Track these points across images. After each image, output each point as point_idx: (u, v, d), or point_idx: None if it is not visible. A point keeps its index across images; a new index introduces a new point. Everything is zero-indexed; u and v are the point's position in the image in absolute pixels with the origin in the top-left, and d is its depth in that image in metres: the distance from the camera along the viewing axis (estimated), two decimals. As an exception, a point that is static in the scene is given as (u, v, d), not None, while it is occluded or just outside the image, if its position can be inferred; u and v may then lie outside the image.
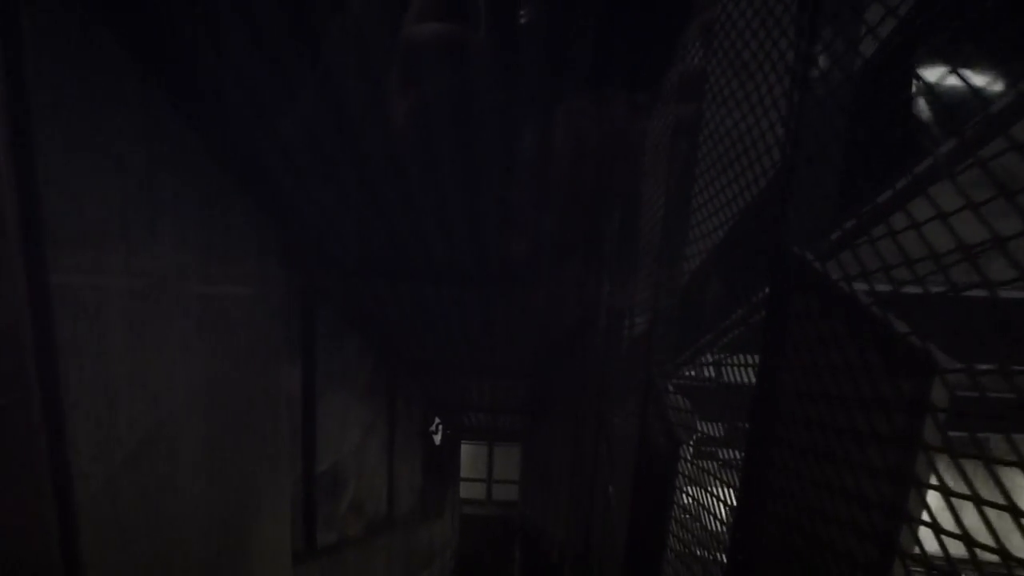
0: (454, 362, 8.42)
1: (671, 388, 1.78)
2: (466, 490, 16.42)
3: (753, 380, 1.29)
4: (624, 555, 2.12)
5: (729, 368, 1.53)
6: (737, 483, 1.31)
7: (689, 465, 1.59)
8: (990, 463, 0.69)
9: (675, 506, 1.63)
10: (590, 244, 4.28)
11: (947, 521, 0.73)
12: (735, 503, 1.28)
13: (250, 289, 3.57)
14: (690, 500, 1.53)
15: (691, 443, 1.58)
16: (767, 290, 1.25)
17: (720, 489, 1.33)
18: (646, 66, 2.54)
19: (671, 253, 2.02)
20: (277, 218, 3.85)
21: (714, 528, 1.37)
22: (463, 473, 16.12)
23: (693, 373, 1.84)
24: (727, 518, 1.34)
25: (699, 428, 1.53)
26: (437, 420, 14.23)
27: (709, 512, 1.40)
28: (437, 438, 14.56)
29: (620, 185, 3.42)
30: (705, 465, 1.50)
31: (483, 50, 2.47)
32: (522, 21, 2.35)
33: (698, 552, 1.47)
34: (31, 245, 1.74)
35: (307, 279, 4.76)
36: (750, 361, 1.41)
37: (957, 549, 0.69)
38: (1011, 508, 0.64)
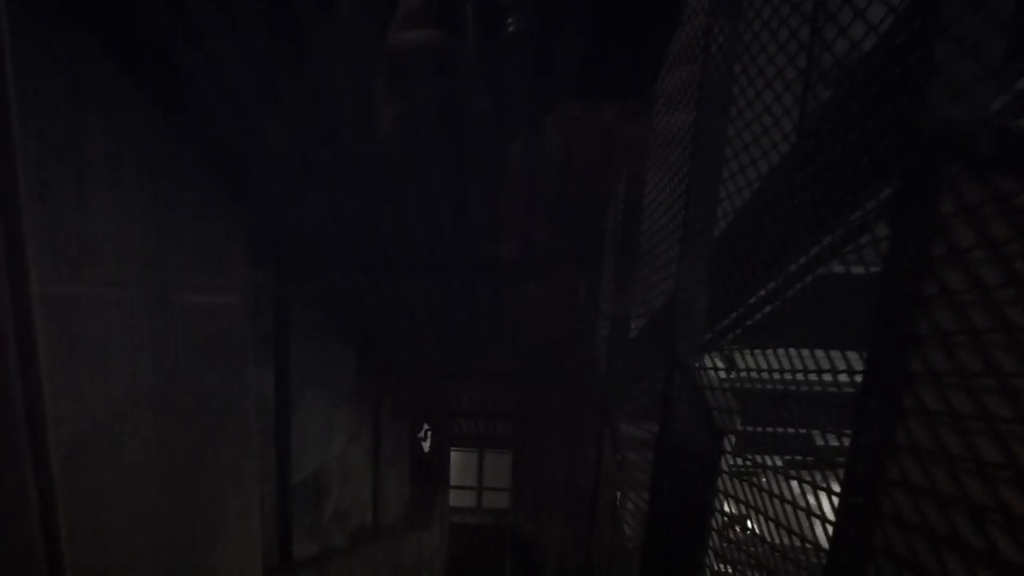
0: (442, 366, 8.08)
1: (707, 365, 1.49)
2: (456, 498, 16.02)
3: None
4: (642, 570, 1.82)
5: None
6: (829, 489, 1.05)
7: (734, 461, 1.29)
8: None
9: (715, 514, 1.32)
10: (583, 246, 4.21)
11: None
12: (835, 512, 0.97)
13: (211, 278, 3.23)
14: (740, 506, 1.23)
15: (734, 434, 1.28)
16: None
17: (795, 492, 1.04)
18: (635, 74, 2.57)
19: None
20: (244, 201, 3.52)
21: (784, 542, 1.06)
22: (453, 480, 15.73)
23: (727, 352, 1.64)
24: (806, 531, 1.06)
25: (746, 414, 1.25)
26: (426, 427, 13.88)
27: (776, 522, 1.08)
28: (426, 445, 14.20)
29: (613, 189, 3.39)
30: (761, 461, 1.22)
31: (471, 58, 2.48)
32: (510, 30, 2.36)
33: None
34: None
35: (279, 270, 4.41)
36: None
37: None
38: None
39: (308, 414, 6.39)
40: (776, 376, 1.23)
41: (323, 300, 5.28)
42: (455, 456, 15.82)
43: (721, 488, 1.32)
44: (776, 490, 1.12)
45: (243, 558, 3.78)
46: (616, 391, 2.70)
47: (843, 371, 1.02)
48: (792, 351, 1.20)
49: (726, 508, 1.32)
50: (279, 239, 4.07)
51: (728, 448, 1.31)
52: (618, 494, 2.44)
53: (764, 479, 1.19)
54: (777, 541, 1.12)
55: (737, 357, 1.54)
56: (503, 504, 15.43)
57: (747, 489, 1.21)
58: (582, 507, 3.86)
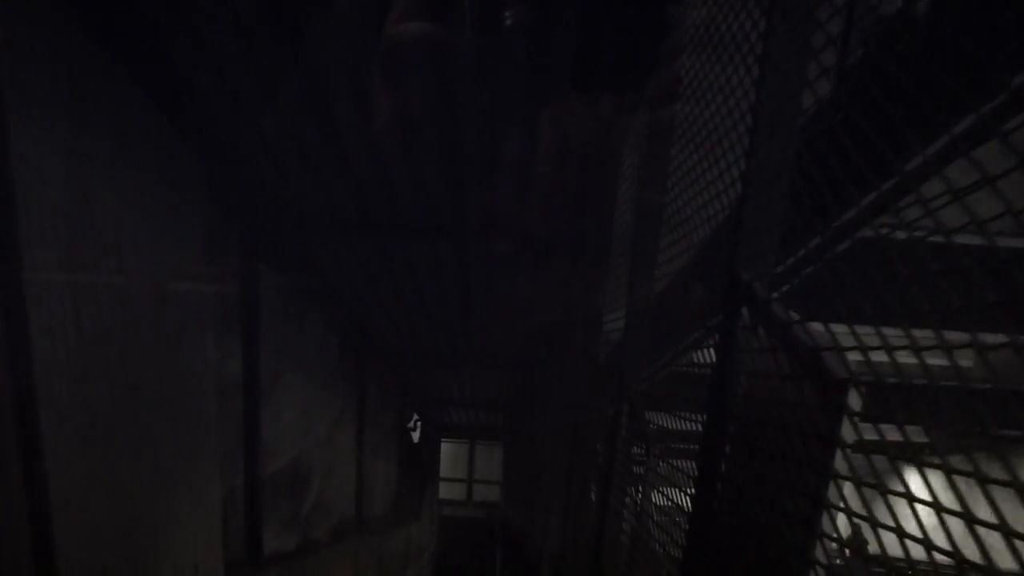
0: (431, 349, 7.62)
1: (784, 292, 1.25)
2: (445, 490, 15.62)
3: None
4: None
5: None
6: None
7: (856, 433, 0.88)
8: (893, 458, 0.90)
9: (829, 511, 0.91)
10: (579, 238, 4.17)
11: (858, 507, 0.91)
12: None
13: (154, 227, 2.77)
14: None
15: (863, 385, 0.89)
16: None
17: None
18: (631, 67, 2.58)
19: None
20: (203, 148, 3.07)
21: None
22: (442, 472, 15.32)
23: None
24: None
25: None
26: (415, 416, 13.47)
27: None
28: (415, 435, 13.80)
29: (610, 181, 3.42)
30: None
31: (468, 51, 2.47)
32: (507, 23, 2.36)
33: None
34: None
35: (244, 226, 3.94)
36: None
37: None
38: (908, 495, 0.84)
39: (285, 399, 5.93)
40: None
41: (298, 267, 4.81)
42: (445, 448, 15.44)
43: (841, 472, 0.91)
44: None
45: (197, 554, 3.34)
46: (634, 368, 2.32)
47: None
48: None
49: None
50: (244, 187, 3.60)
51: (854, 409, 0.91)
52: (631, 488, 2.12)
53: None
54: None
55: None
56: (494, 497, 15.10)
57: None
58: (583, 503, 3.56)
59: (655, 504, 1.84)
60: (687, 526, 1.47)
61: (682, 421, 1.82)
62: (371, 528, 8.71)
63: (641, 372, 2.30)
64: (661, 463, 1.85)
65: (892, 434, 0.89)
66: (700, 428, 1.46)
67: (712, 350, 1.56)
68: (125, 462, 2.63)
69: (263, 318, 4.45)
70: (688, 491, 1.57)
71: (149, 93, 2.64)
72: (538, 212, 3.88)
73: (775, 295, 1.18)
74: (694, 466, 1.48)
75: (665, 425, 1.91)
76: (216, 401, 4.38)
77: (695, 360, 1.71)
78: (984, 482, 0.72)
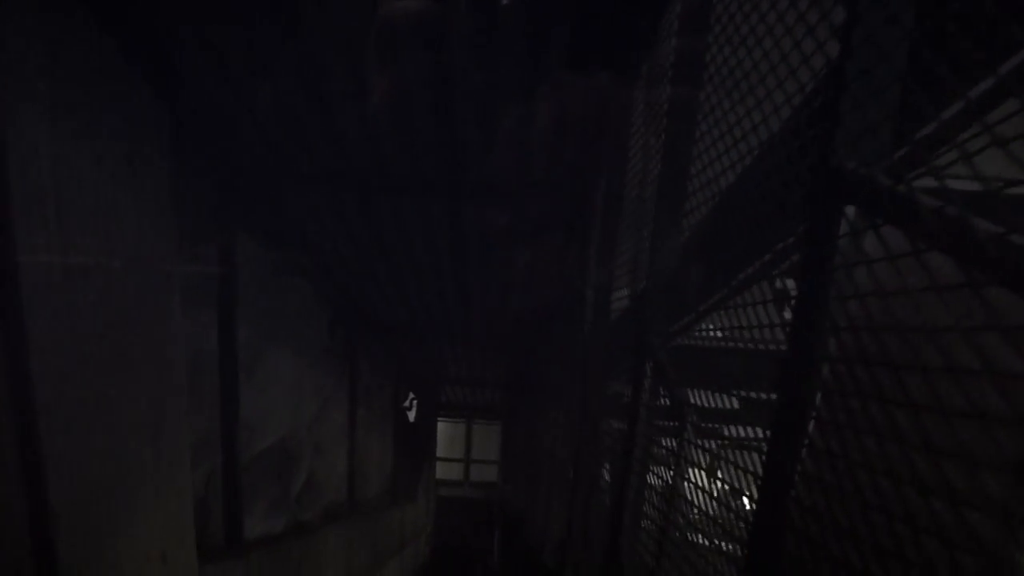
0: (426, 323, 7.29)
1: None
2: (442, 470, 15.39)
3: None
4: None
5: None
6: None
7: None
8: None
9: None
10: (574, 214, 4.10)
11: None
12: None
13: (103, 170, 2.41)
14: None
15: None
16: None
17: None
18: (626, 45, 2.54)
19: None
20: (167, 92, 2.71)
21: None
22: (439, 452, 15.07)
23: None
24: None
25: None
26: (411, 395, 13.18)
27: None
28: (411, 414, 13.52)
29: (606, 156, 3.32)
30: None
31: (463, 27, 2.43)
32: (504, 2, 2.33)
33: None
34: None
35: (216, 181, 3.58)
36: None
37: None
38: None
39: (271, 374, 5.60)
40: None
41: (280, 231, 4.45)
42: (442, 427, 15.18)
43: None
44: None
45: (166, 541, 3.02)
46: (658, 325, 1.99)
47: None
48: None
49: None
50: (214, 135, 3.24)
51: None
52: (657, 468, 1.85)
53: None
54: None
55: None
56: (492, 478, 14.87)
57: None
58: (591, 484, 3.33)
59: (693, 487, 1.55)
60: (751, 516, 1.21)
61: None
62: (365, 509, 8.45)
63: (667, 329, 1.92)
64: (698, 439, 1.57)
65: None
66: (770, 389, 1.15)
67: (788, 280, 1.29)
68: (77, 443, 2.30)
69: (242, 288, 4.10)
70: (746, 470, 1.30)
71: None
72: (533, 187, 3.82)
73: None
74: (763, 437, 1.17)
75: (704, 392, 1.62)
76: (187, 376, 4.05)
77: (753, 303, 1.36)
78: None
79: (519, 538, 7.61)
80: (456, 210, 3.88)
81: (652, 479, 1.71)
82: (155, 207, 2.83)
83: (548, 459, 4.98)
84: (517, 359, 8.83)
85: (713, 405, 1.61)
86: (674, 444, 1.59)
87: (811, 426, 1.02)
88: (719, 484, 1.43)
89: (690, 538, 1.54)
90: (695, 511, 1.48)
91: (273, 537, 5.41)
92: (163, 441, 3.02)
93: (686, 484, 1.55)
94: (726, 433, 1.50)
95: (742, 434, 1.56)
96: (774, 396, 1.10)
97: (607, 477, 2.28)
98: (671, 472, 1.59)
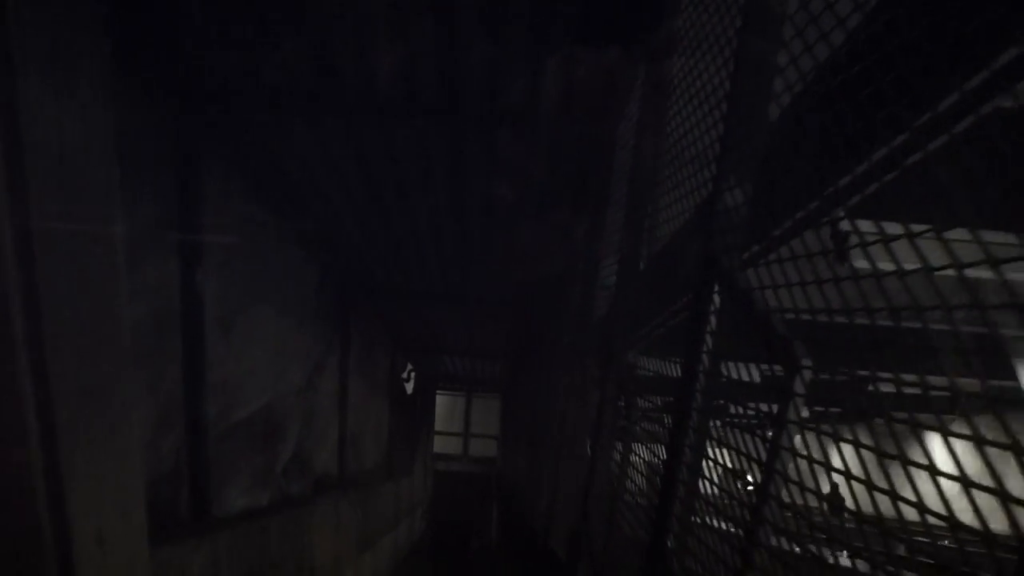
0: (423, 288, 6.76)
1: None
2: (440, 444, 14.99)
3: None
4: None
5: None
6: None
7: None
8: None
9: None
10: (582, 187, 4.04)
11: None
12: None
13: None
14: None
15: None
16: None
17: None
18: (637, 17, 2.52)
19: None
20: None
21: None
22: (438, 426, 14.67)
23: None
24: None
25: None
26: (409, 366, 12.74)
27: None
28: (409, 386, 13.08)
29: (615, 131, 3.32)
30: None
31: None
32: None
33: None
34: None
35: (171, 91, 3.02)
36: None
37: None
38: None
39: (251, 334, 5.09)
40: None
41: (254, 167, 3.90)
42: (441, 400, 14.77)
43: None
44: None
45: (103, 518, 2.53)
46: (620, 335, 2.25)
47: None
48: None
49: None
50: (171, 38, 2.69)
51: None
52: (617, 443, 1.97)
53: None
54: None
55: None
56: (491, 452, 14.50)
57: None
58: (574, 456, 3.19)
59: (637, 458, 1.71)
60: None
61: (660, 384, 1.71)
62: (358, 483, 8.01)
63: (627, 338, 2.17)
64: (642, 422, 1.74)
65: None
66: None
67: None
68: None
69: (209, 232, 3.57)
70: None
71: None
72: (541, 161, 3.74)
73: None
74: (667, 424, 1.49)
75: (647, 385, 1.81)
76: (153, 337, 3.54)
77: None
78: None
79: (518, 514, 7.17)
80: (459, 137, 3.33)
81: (613, 451, 1.60)
82: (91, 87, 2.29)
83: (552, 436, 4.50)
84: (518, 329, 8.32)
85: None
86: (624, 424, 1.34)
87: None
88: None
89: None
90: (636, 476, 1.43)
91: (256, 511, 4.95)
92: (109, 407, 2.53)
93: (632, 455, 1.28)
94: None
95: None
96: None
97: (643, 461, 1.85)
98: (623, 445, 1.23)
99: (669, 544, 1.48)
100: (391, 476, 9.83)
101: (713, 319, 1.38)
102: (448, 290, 6.86)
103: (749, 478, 1.18)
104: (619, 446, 2.17)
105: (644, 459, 1.80)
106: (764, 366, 1.18)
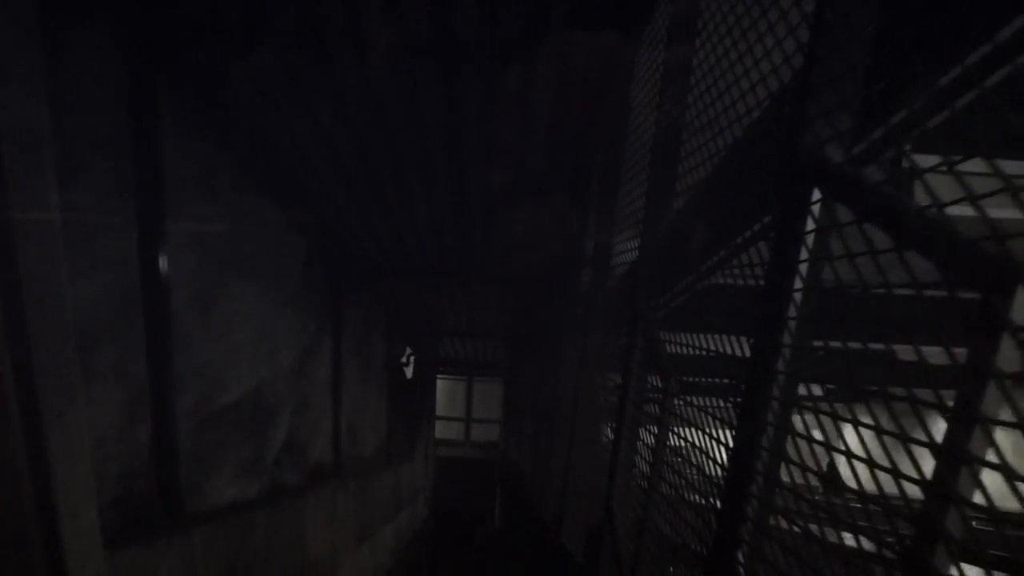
0: (420, 265, 6.36)
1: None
2: (442, 430, 14.64)
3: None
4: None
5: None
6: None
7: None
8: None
9: None
10: (579, 172, 3.96)
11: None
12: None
13: None
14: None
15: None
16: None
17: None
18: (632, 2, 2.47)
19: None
20: None
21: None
22: (439, 411, 14.31)
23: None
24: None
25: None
26: (408, 350, 12.36)
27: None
28: (408, 371, 12.71)
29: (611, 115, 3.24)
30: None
31: None
32: None
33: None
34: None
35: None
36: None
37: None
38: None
39: (234, 312, 4.70)
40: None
41: (221, 116, 3.48)
42: (442, 384, 14.40)
43: None
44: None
45: (63, 512, 2.17)
46: (648, 292, 1.95)
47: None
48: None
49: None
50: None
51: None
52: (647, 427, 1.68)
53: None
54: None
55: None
56: (494, 437, 14.16)
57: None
58: (589, 441, 2.93)
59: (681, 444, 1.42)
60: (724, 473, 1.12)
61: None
62: (353, 471, 7.65)
63: (657, 296, 1.87)
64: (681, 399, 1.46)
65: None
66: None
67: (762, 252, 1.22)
68: None
69: (170, 191, 3.16)
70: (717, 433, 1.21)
71: None
72: (537, 145, 3.64)
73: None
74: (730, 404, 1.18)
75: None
76: (116, 314, 3.14)
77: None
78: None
79: (524, 503, 6.83)
80: (452, 73, 2.92)
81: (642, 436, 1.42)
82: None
83: (563, 420, 4.12)
84: (520, 309, 7.94)
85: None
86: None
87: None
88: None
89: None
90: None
91: (238, 505, 4.58)
92: (50, 388, 2.15)
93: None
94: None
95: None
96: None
97: (611, 435, 1.56)
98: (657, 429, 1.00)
99: (740, 559, 1.09)
100: (390, 463, 9.48)
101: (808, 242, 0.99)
102: (447, 265, 6.46)
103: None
104: (651, 429, 1.78)
105: (694, 444, 1.41)
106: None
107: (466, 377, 14.65)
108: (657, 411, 1.66)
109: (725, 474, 1.15)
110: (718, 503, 1.16)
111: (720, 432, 1.24)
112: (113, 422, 3.53)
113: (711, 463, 1.26)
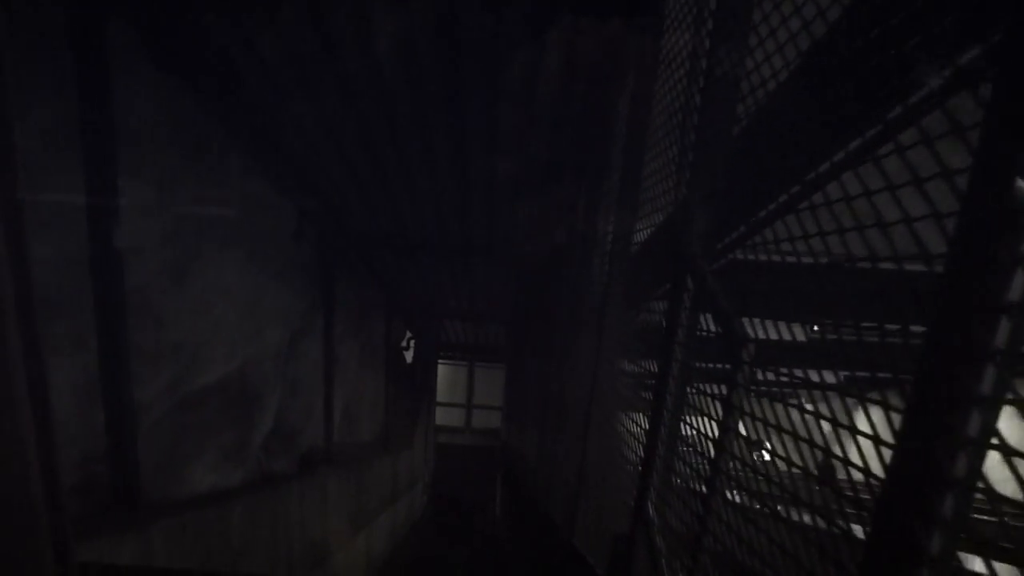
0: (419, 241, 5.92)
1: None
2: (442, 416, 14.27)
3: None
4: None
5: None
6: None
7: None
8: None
9: None
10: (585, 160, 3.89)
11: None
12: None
13: None
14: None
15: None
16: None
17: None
18: None
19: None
20: None
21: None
22: (439, 397, 13.92)
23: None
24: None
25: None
26: (408, 334, 11.96)
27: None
28: (408, 355, 12.32)
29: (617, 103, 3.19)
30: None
31: None
32: None
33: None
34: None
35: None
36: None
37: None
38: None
39: (213, 284, 4.27)
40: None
41: (195, 59, 3.03)
42: (443, 369, 14.00)
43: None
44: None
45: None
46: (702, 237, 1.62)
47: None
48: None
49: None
50: None
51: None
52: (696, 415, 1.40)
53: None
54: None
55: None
56: (495, 424, 13.78)
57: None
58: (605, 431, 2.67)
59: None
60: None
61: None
62: (348, 458, 7.26)
63: (713, 242, 1.55)
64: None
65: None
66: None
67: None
68: None
69: (128, 140, 2.73)
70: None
71: None
72: (542, 134, 3.61)
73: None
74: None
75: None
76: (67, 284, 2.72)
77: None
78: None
79: (528, 496, 6.43)
80: (449, 21, 2.48)
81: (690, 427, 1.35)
82: None
83: (576, 406, 3.70)
84: (524, 288, 7.51)
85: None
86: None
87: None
88: None
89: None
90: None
91: (216, 495, 4.18)
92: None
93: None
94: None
95: None
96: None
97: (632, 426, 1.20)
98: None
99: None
100: (388, 450, 9.10)
101: None
102: (448, 244, 6.02)
103: None
104: (709, 415, 1.35)
105: (801, 436, 0.98)
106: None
107: (467, 362, 14.25)
108: (722, 391, 1.23)
109: (879, 484, 0.72)
110: (860, 527, 0.74)
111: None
112: (69, 404, 3.13)
113: (841, 463, 0.83)
